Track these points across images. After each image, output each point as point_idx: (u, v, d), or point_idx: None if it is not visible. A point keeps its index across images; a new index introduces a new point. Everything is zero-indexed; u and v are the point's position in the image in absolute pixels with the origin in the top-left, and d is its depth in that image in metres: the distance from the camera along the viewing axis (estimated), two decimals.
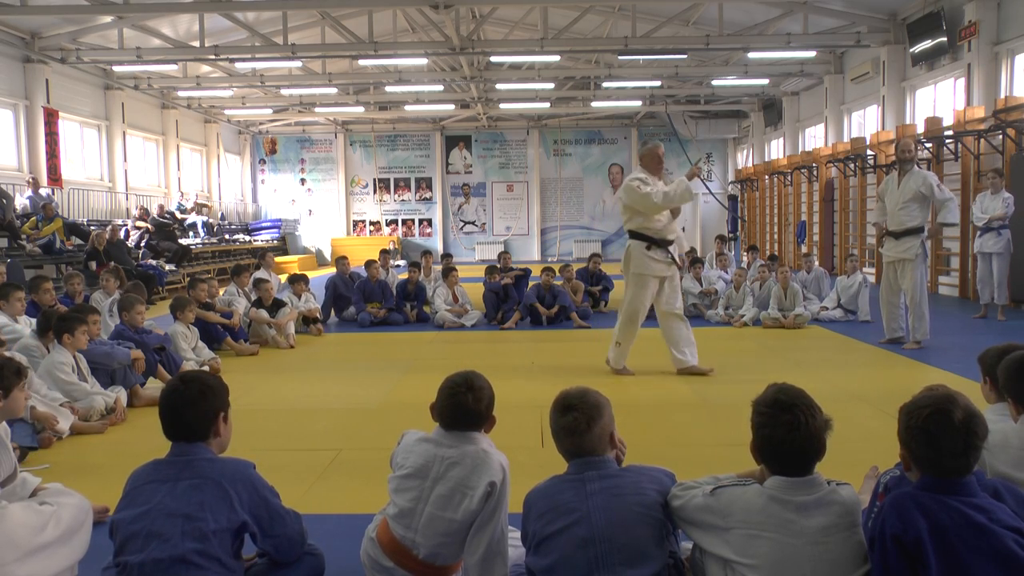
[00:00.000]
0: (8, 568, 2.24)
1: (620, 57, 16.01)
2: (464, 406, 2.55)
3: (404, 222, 26.27)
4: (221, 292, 9.37)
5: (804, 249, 16.97)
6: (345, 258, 10.81)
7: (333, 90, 20.22)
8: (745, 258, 12.93)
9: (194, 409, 2.41)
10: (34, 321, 5.85)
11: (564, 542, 2.26)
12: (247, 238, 22.36)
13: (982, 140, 11.15)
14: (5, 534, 2.27)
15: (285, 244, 23.71)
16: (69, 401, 5.01)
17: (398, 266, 11.84)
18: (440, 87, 19.50)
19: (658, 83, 19.73)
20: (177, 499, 2.29)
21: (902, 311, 7.69)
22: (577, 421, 2.35)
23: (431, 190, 26.12)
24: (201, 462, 2.37)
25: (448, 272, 10.16)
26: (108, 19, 14.23)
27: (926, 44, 12.95)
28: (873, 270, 13.30)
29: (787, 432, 2.11)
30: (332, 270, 10.94)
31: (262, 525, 2.40)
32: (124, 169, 18.08)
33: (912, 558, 1.96)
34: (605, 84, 19.96)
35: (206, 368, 6.72)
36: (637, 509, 2.28)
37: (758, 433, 2.18)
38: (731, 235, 21.96)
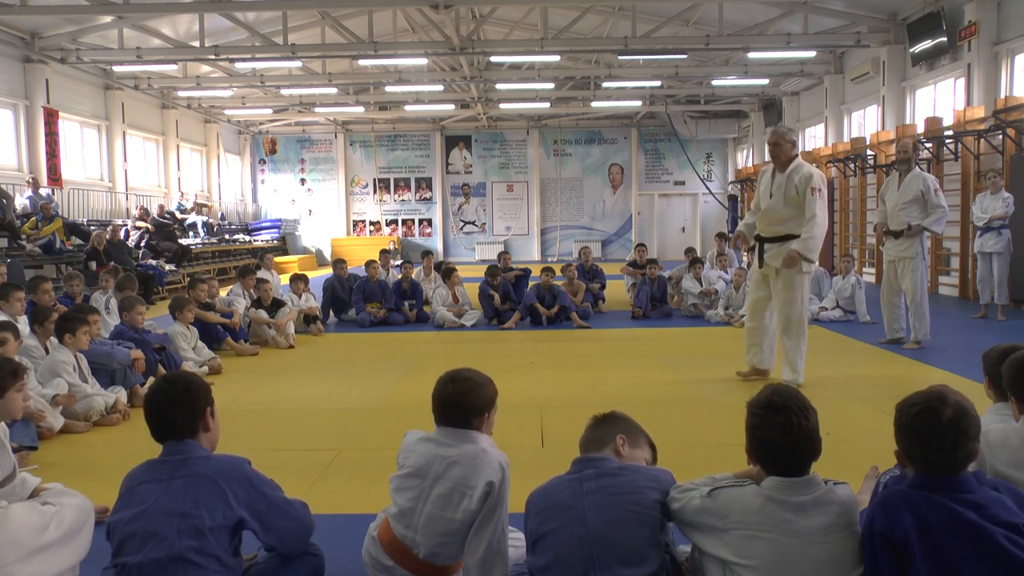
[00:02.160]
0: (10, 568, 2.24)
1: (620, 57, 16.01)
2: (444, 397, 2.57)
3: (404, 222, 26.26)
4: (224, 292, 9.38)
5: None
6: (343, 261, 10.80)
7: (333, 90, 20.21)
8: (745, 258, 12.92)
9: (182, 406, 2.41)
10: None
11: (560, 540, 2.27)
12: (247, 238, 22.36)
13: (982, 140, 11.15)
14: (7, 534, 2.27)
15: (285, 244, 23.71)
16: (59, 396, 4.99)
17: (398, 266, 11.85)
18: (440, 87, 19.49)
19: (658, 83, 19.72)
20: (172, 498, 2.28)
21: (903, 311, 7.70)
22: (604, 420, 2.59)
23: (431, 190, 26.12)
24: (195, 460, 2.37)
25: (450, 272, 10.16)
26: (108, 19, 14.23)
27: (926, 44, 12.95)
28: (873, 270, 13.30)
29: (780, 433, 2.12)
30: (330, 271, 10.93)
31: (262, 520, 2.39)
32: (124, 169, 18.07)
33: (900, 556, 1.97)
34: (605, 84, 19.95)
35: (205, 368, 6.74)
36: (633, 508, 2.28)
37: (752, 435, 2.20)
38: (731, 235, 21.91)
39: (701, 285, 10.47)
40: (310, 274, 12.29)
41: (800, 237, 5.80)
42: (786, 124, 20.56)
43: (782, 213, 5.88)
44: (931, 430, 2.00)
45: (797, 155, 5.96)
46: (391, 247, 21.63)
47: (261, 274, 10.16)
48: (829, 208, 17.06)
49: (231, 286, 9.97)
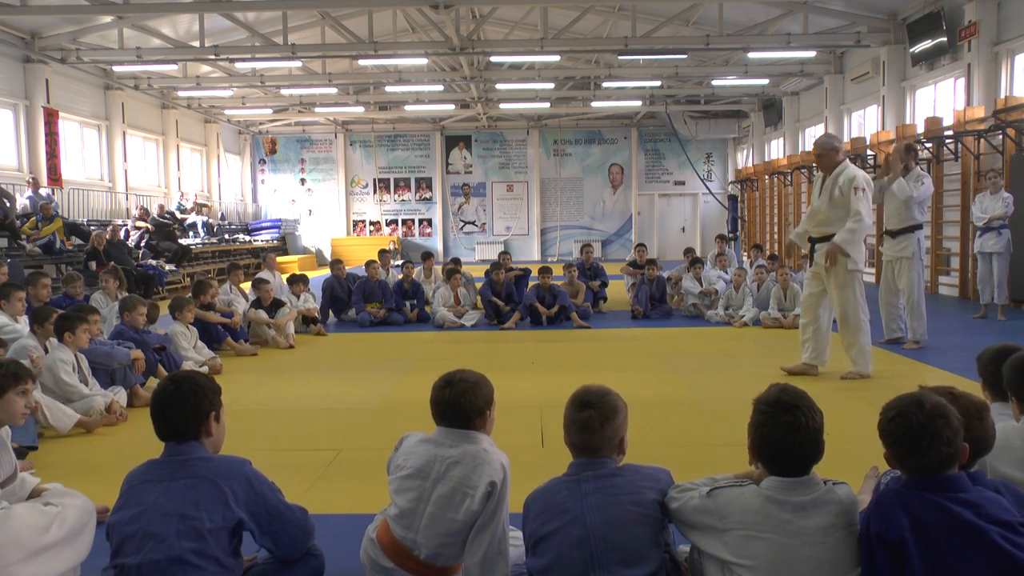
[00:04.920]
0: (12, 569, 2.24)
1: (620, 57, 16.01)
2: (442, 401, 2.58)
3: (404, 222, 26.26)
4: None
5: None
6: (340, 262, 10.82)
7: (333, 90, 20.21)
8: (746, 257, 12.95)
9: (185, 409, 2.40)
10: None
11: (560, 542, 2.27)
12: (247, 238, 22.36)
13: (982, 140, 11.15)
14: (10, 535, 2.28)
15: (285, 244, 23.71)
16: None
17: (399, 266, 11.87)
18: (440, 87, 19.49)
19: (658, 83, 19.73)
20: (172, 499, 2.28)
21: (900, 311, 7.73)
22: (592, 418, 2.35)
23: (431, 190, 26.12)
24: (195, 461, 2.37)
25: (452, 274, 10.16)
26: (108, 19, 14.23)
27: (926, 44, 12.95)
28: (874, 270, 13.29)
29: (787, 432, 2.12)
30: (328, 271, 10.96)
31: (260, 522, 2.39)
32: (124, 169, 18.07)
33: (897, 556, 1.98)
34: (605, 84, 19.95)
35: (205, 368, 6.73)
36: (632, 508, 2.28)
37: (758, 432, 2.18)
38: (731, 235, 21.95)
39: (701, 285, 10.47)
40: (310, 274, 12.30)
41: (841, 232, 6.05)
42: (785, 124, 20.58)
43: (828, 214, 6.10)
44: (904, 433, 2.02)
45: (843, 159, 6.16)
46: (391, 247, 21.64)
47: (262, 274, 10.17)
48: None
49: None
